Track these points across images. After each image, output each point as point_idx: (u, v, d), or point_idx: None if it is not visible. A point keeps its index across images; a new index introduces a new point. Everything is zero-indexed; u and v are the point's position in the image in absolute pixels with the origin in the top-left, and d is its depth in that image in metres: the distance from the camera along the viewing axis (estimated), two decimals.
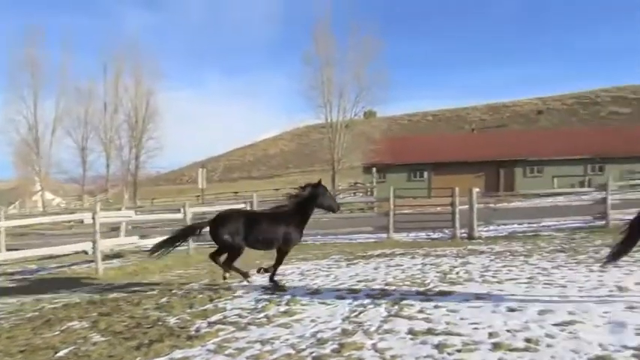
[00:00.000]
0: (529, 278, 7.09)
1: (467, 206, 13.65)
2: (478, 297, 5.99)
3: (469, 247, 11.63)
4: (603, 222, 13.45)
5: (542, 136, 43.60)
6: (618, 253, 5.66)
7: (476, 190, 13.65)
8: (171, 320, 5.80)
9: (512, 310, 5.32)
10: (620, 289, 6.10)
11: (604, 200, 13.55)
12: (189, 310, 6.23)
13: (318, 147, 50.60)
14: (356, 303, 6.06)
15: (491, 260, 9.03)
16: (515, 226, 14.66)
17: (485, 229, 14.32)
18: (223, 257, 7.22)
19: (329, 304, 6.07)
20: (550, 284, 6.61)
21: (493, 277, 7.36)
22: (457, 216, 13.68)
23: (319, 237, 14.75)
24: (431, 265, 8.81)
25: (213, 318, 5.77)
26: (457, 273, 7.81)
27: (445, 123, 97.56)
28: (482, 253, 10.27)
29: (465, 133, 64.02)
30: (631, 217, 5.82)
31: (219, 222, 7.14)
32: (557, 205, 18.38)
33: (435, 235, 14.65)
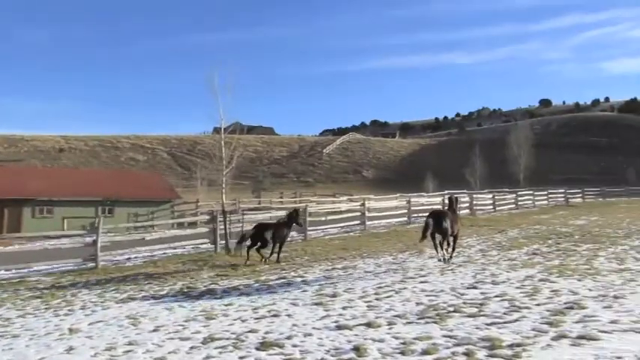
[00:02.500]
0: None
1: None
2: None
3: None
4: (94, 264, 13.99)
5: (57, 175, 42.65)
6: (422, 238, 9.22)
7: None
8: None
9: None
10: (71, 331, 6.47)
11: (94, 242, 14.17)
12: None
13: None
14: None
15: None
16: (2, 272, 13.49)
17: None
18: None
19: None
20: (2, 336, 6.38)
21: None
22: None
23: None
24: None
25: None
26: None
27: None
28: None
29: None
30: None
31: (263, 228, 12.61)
32: (59, 247, 18.01)
33: None
